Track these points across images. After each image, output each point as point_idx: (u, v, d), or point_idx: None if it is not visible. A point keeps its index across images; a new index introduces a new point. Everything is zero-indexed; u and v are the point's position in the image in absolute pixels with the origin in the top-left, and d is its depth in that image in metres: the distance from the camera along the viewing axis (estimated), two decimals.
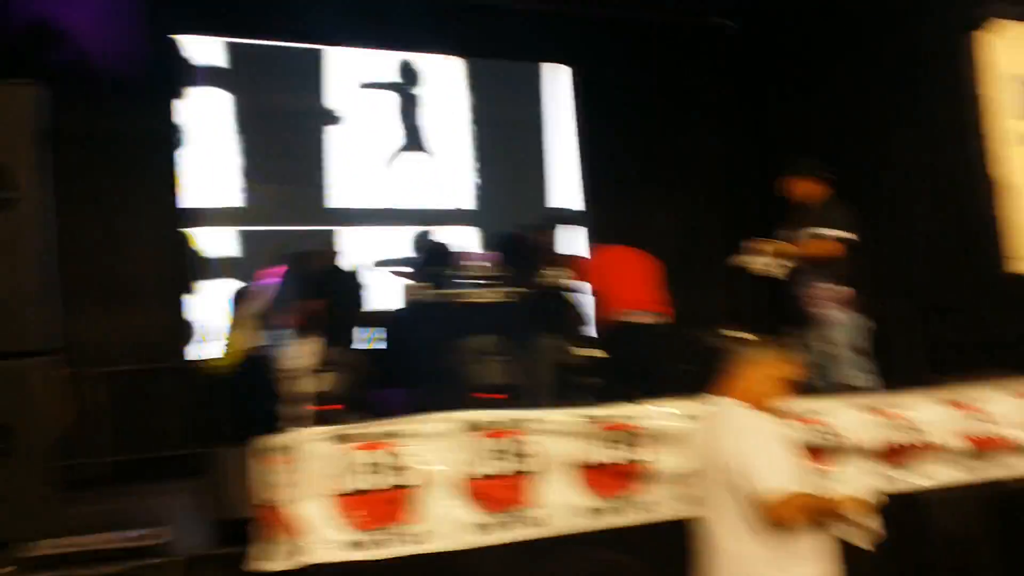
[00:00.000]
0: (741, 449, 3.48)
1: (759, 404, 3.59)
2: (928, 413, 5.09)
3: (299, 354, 7.06)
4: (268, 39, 10.12)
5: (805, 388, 5.19)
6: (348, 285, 7.90)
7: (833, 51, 10.26)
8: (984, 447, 5.09)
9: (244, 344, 8.20)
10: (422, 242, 9.47)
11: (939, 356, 8.45)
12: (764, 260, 6.05)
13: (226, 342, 8.25)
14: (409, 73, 10.86)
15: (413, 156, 10.80)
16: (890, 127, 9.83)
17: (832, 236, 6.03)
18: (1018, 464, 5.18)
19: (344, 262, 8.18)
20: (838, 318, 5.99)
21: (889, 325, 9.22)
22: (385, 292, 9.77)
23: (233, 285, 8.77)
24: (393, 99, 10.79)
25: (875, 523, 3.47)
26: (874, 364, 6.08)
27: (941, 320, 8.78)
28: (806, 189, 6.32)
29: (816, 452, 4.62)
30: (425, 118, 10.85)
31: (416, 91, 10.89)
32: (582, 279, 7.05)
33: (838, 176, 8.87)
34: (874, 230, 9.72)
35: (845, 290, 6.07)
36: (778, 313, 6.53)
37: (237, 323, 8.23)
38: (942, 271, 9.12)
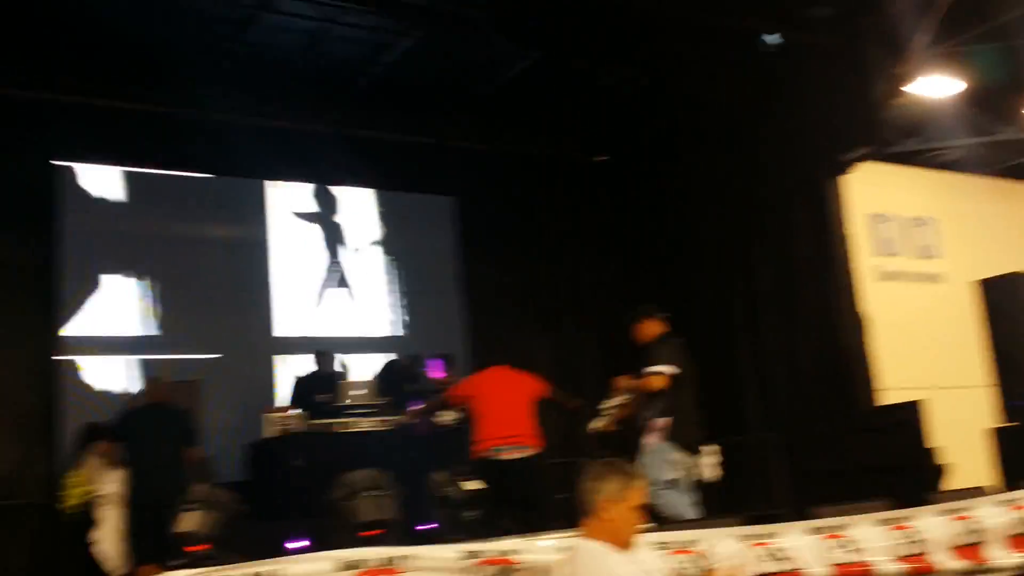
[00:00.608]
0: None
1: (617, 539, 3.62)
2: (795, 541, 5.17)
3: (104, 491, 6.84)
4: (166, 168, 10.12)
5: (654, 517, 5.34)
6: (164, 422, 7.55)
7: (704, 187, 10.72)
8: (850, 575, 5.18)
9: (90, 483, 7.79)
10: (302, 374, 9.37)
11: (805, 484, 8.71)
12: (606, 413, 6.38)
13: (71, 481, 7.88)
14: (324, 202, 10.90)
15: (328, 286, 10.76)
16: (758, 262, 10.25)
17: (654, 371, 6.39)
18: None
19: (173, 398, 7.85)
20: (655, 448, 6.32)
21: (755, 454, 9.51)
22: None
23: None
24: (307, 228, 10.80)
25: None
26: (698, 494, 6.34)
27: (807, 449, 9.07)
28: (643, 331, 6.69)
29: None
30: (334, 245, 10.88)
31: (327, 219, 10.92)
32: (456, 406, 7.06)
33: (704, 309, 9.21)
34: (739, 362, 10.13)
35: (664, 421, 6.37)
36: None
37: (82, 461, 7.87)
38: (807, 402, 9.44)
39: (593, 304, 12.15)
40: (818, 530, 5.32)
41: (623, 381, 6.60)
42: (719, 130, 10.50)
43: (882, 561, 5.32)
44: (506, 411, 6.79)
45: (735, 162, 10.39)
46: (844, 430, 8.82)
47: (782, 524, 5.35)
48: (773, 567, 4.98)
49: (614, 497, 3.59)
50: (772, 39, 9.10)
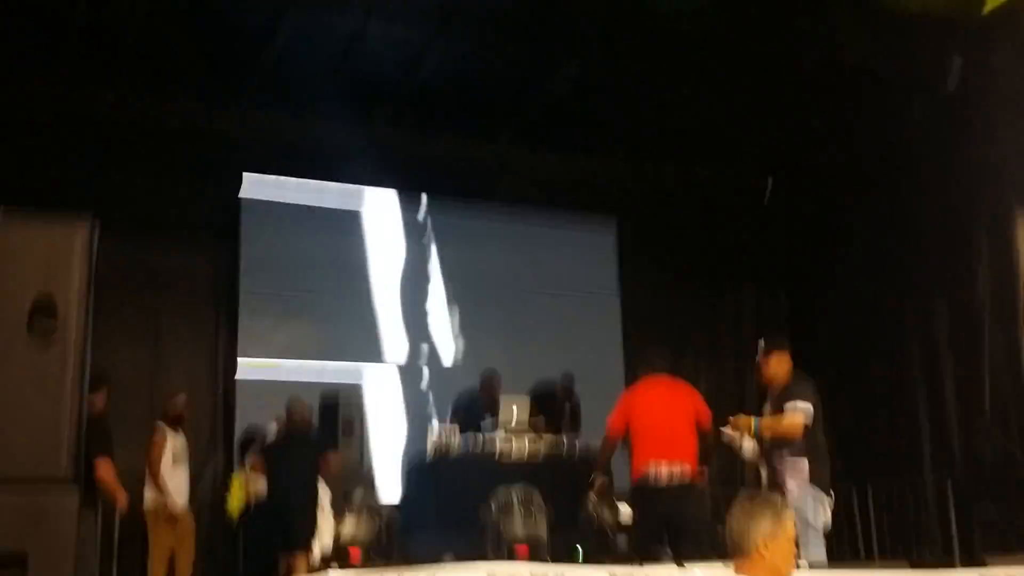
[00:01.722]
0: None
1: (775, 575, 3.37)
2: None
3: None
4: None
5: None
6: (301, 452, 7.75)
7: (879, 223, 10.33)
8: None
9: (249, 489, 8.13)
10: (465, 392, 9.48)
11: (975, 534, 8.21)
12: (739, 437, 6.09)
13: (232, 487, 8.18)
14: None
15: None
16: (938, 303, 9.79)
17: (793, 411, 5.97)
18: None
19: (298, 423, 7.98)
20: (801, 491, 5.90)
21: (923, 501, 9.04)
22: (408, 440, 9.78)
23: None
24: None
25: None
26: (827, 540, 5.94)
27: (979, 496, 8.56)
28: (775, 366, 6.26)
29: None
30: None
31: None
32: (618, 439, 6.75)
33: (878, 350, 8.78)
34: (915, 407, 9.67)
35: (803, 464, 5.96)
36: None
37: (243, 469, 8.20)
38: (985, 449, 8.94)
39: (756, 337, 11.84)
40: None
41: (765, 422, 6.09)
42: (897, 164, 10.11)
43: None
44: (665, 427, 6.40)
45: (914, 198, 9.96)
46: (1016, 478, 8.28)
47: (952, 571, 5.07)
48: None
49: (769, 533, 3.35)
50: (953, 77, 8.73)
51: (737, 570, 3.42)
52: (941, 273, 9.72)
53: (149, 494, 7.43)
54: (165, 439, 7.54)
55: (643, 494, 6.29)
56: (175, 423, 7.72)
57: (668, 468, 6.24)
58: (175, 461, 7.54)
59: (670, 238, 11.55)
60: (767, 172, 11.79)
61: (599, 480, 6.45)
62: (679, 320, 11.57)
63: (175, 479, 7.49)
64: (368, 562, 4.87)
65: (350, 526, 5.04)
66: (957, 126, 9.42)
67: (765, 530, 3.36)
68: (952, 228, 9.54)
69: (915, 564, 5.15)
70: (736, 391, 11.41)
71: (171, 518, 7.42)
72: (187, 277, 9.67)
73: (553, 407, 9.01)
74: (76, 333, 4.43)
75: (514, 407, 8.70)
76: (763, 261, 12.01)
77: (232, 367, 9.59)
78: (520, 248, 11.05)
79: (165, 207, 9.51)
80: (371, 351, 10.20)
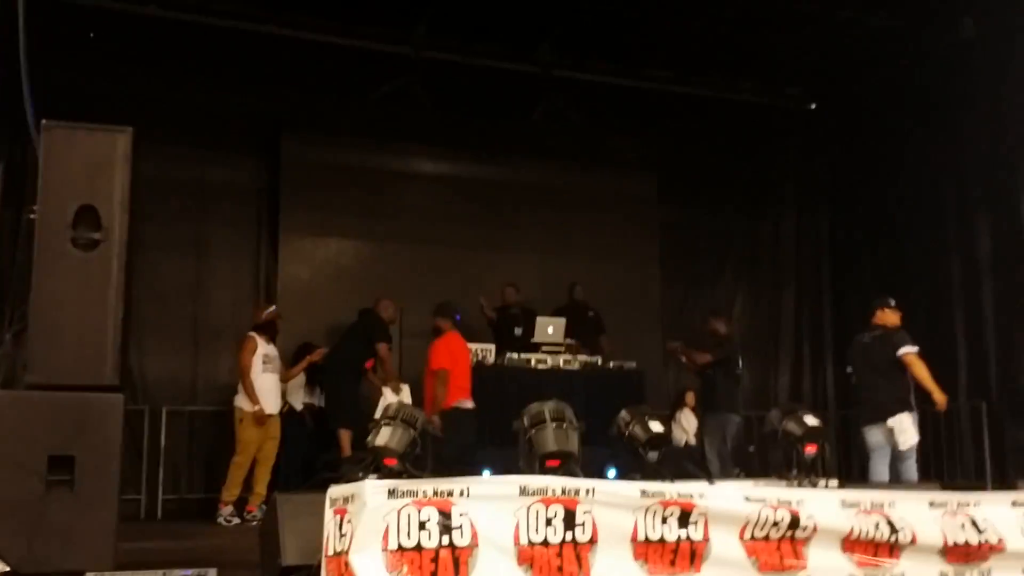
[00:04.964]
0: None
1: None
2: (994, 513, 4.91)
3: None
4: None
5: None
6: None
7: (923, 141, 10.15)
8: None
9: (302, 395, 8.50)
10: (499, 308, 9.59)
11: (1008, 458, 8.22)
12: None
13: (285, 393, 8.45)
14: None
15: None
16: (979, 223, 9.64)
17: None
18: None
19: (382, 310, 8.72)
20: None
21: (964, 426, 9.04)
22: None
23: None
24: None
25: None
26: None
27: (1012, 422, 8.56)
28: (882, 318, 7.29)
29: (876, 546, 4.49)
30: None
31: None
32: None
33: (918, 270, 8.84)
34: (953, 328, 9.63)
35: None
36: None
37: (295, 375, 8.49)
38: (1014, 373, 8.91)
39: (794, 256, 11.80)
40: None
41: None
42: (943, 83, 9.87)
43: None
44: (466, 373, 8.00)
45: (958, 117, 9.75)
46: None
47: (984, 493, 5.09)
48: (973, 537, 4.77)
49: None
50: None
51: None
52: (984, 193, 9.58)
53: (240, 398, 7.82)
54: (256, 347, 7.83)
55: (458, 415, 7.66)
56: (266, 332, 7.95)
57: (470, 403, 7.69)
58: (265, 367, 7.83)
59: (711, 157, 11.43)
60: (810, 91, 11.56)
61: None
62: (718, 239, 11.54)
63: (265, 384, 7.81)
64: (403, 472, 4.98)
65: (386, 436, 5.16)
66: (1008, 45, 9.18)
67: None
68: (997, 147, 9.36)
69: (946, 486, 5.18)
70: (773, 311, 11.42)
71: (259, 420, 7.79)
72: (231, 190, 9.73)
73: (581, 322, 9.12)
74: (119, 243, 4.52)
75: (549, 328, 8.81)
76: (804, 181, 11.89)
77: (273, 279, 9.72)
78: (559, 164, 10.98)
79: (211, 121, 9.52)
80: (409, 269, 10.26)
